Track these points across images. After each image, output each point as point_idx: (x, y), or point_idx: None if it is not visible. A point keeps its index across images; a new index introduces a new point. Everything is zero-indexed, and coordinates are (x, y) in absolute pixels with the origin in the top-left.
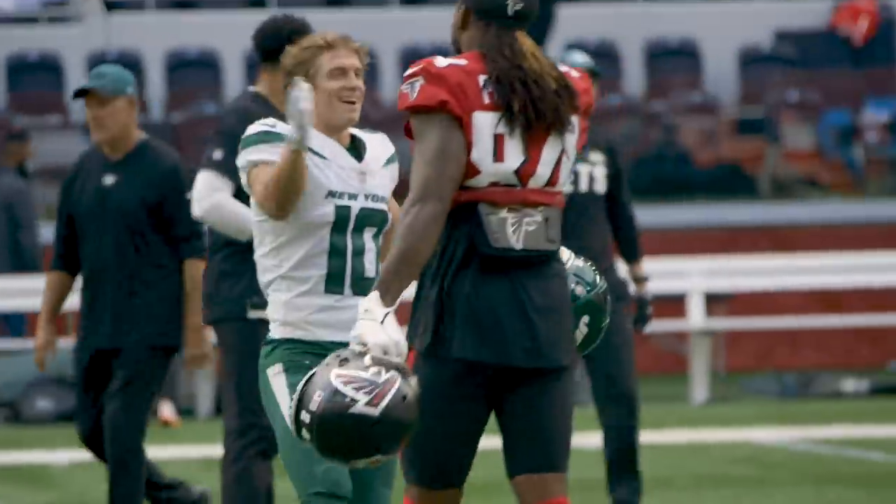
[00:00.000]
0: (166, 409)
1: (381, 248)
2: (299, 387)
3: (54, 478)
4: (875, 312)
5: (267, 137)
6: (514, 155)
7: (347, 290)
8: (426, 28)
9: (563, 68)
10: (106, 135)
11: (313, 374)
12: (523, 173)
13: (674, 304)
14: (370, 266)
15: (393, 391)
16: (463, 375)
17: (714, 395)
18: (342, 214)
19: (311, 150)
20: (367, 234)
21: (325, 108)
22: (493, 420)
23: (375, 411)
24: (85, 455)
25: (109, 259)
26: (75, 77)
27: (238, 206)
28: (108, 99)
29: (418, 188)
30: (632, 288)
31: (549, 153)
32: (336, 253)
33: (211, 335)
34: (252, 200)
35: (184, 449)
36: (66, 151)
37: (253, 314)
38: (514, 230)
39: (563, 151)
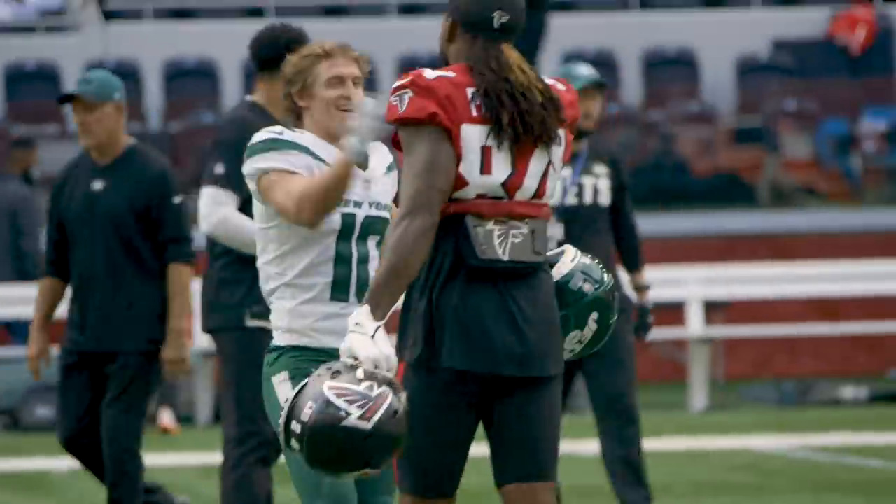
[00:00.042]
0: (166, 417)
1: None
2: (290, 396)
3: (54, 485)
4: (873, 320)
5: (275, 145)
6: (501, 167)
7: (353, 297)
8: (424, 37)
9: (549, 81)
10: (93, 140)
11: (305, 385)
12: (510, 186)
13: (672, 312)
14: (374, 274)
15: (385, 406)
16: (453, 385)
17: (713, 403)
18: (348, 222)
19: (318, 157)
20: (371, 242)
21: (323, 116)
22: (481, 427)
23: (368, 425)
24: None
25: (99, 264)
26: (73, 86)
27: (243, 219)
28: (95, 104)
29: (408, 201)
30: (633, 296)
31: (535, 166)
32: (342, 260)
33: (191, 342)
34: (259, 209)
35: (183, 456)
36: (64, 160)
37: (252, 323)
38: (501, 242)
39: (549, 164)
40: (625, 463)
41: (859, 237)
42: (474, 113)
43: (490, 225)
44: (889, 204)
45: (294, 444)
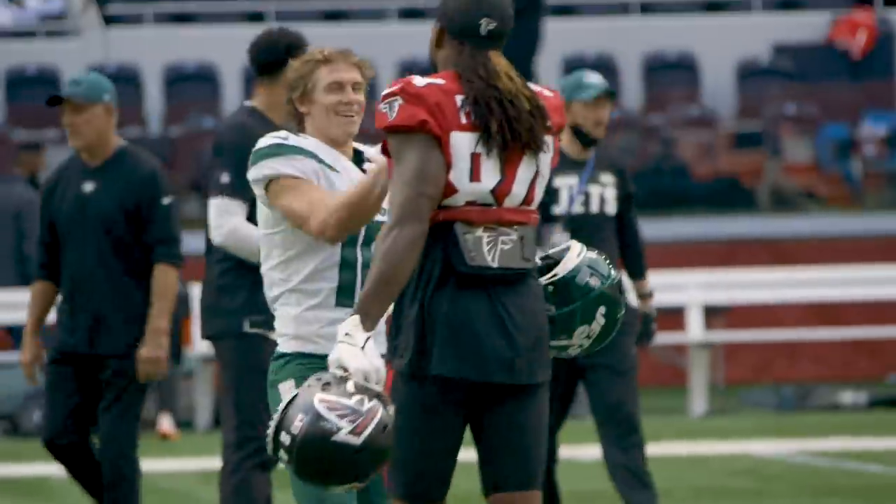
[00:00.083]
0: (165, 422)
1: None
2: (280, 407)
3: (53, 490)
4: (873, 325)
5: (280, 150)
6: (490, 174)
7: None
8: (424, 42)
9: (535, 88)
10: (82, 142)
11: (296, 396)
12: (499, 192)
13: (672, 317)
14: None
15: (375, 421)
16: (443, 392)
17: (713, 408)
18: None
19: (323, 162)
20: (374, 247)
21: (323, 122)
22: (469, 433)
23: (358, 440)
24: None
25: (90, 266)
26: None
27: (251, 228)
28: (84, 106)
29: (397, 209)
30: (636, 303)
31: (524, 172)
32: (347, 266)
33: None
34: (264, 214)
35: (182, 461)
36: None
37: (251, 329)
38: (490, 249)
39: (537, 171)
40: (627, 469)
41: (860, 242)
42: (464, 120)
43: (479, 232)
44: (889, 208)
45: (283, 455)
